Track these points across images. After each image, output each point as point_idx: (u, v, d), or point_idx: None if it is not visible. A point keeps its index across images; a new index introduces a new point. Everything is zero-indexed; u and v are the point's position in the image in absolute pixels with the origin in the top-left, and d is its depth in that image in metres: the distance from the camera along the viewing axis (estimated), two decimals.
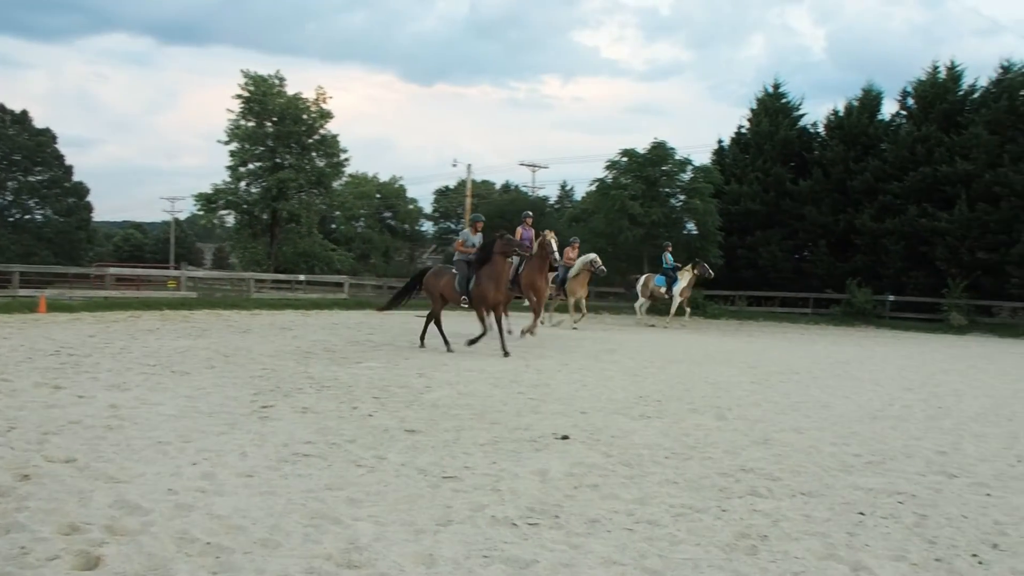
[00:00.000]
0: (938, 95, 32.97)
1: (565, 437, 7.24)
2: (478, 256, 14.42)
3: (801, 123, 37.44)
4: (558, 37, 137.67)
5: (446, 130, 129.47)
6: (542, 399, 9.39)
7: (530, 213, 20.15)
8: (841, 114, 35.72)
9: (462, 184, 58.52)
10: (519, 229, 18.63)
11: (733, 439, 7.53)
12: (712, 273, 26.13)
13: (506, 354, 13.66)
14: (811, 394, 10.76)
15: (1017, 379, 13.73)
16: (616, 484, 5.80)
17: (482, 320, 14.79)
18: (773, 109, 37.02)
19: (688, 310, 26.32)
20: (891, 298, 30.42)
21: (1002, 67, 32.46)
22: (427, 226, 64.41)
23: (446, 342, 14.47)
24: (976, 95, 33.04)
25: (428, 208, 63.58)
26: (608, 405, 9.17)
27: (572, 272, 22.42)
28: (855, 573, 4.32)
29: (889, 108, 35.44)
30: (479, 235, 15.31)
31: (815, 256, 34.47)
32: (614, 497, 5.47)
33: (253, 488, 5.29)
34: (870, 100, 35.51)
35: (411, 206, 61.71)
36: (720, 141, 39.11)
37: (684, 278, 25.59)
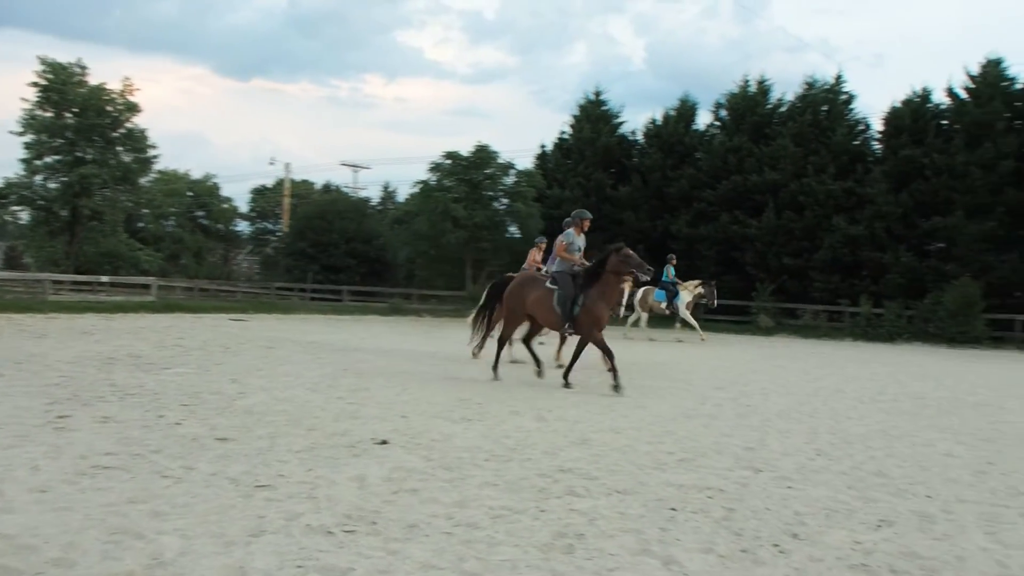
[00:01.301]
0: (749, 108, 34.67)
1: (384, 442, 7.11)
2: (588, 271, 11.57)
3: (621, 130, 38.57)
4: (381, 36, 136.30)
5: (264, 127, 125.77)
6: (362, 404, 9.21)
7: (588, 214, 13.23)
8: (659, 123, 37.05)
9: (280, 183, 57.10)
10: (560, 241, 12.89)
11: (552, 440, 7.60)
12: (715, 303, 25.07)
13: (567, 384, 11.41)
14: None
15: (817, 378, 14.51)
16: (436, 488, 5.72)
17: (605, 349, 11.29)
18: (595, 116, 37.95)
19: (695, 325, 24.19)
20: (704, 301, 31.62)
21: (807, 83, 34.49)
22: (243, 226, 62.18)
23: (496, 368, 12.19)
24: (783, 109, 34.93)
25: (244, 208, 61.49)
26: (428, 408, 9.08)
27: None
28: (666, 567, 4.41)
29: (704, 119, 36.94)
30: (582, 236, 12.53)
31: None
32: (433, 501, 5.40)
33: (46, 504, 4.91)
34: (686, 110, 36.97)
35: (225, 205, 59.50)
36: (543, 146, 39.84)
37: (688, 294, 24.45)
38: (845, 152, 32.09)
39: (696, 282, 24.95)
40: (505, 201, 34.56)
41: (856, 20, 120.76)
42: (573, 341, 12.16)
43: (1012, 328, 27.03)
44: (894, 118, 31.71)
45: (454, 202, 32.52)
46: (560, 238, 12.46)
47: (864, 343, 26.28)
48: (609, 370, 11.14)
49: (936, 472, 6.96)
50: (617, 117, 38.66)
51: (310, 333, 19.86)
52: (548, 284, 11.72)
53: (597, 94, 38.99)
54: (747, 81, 35.69)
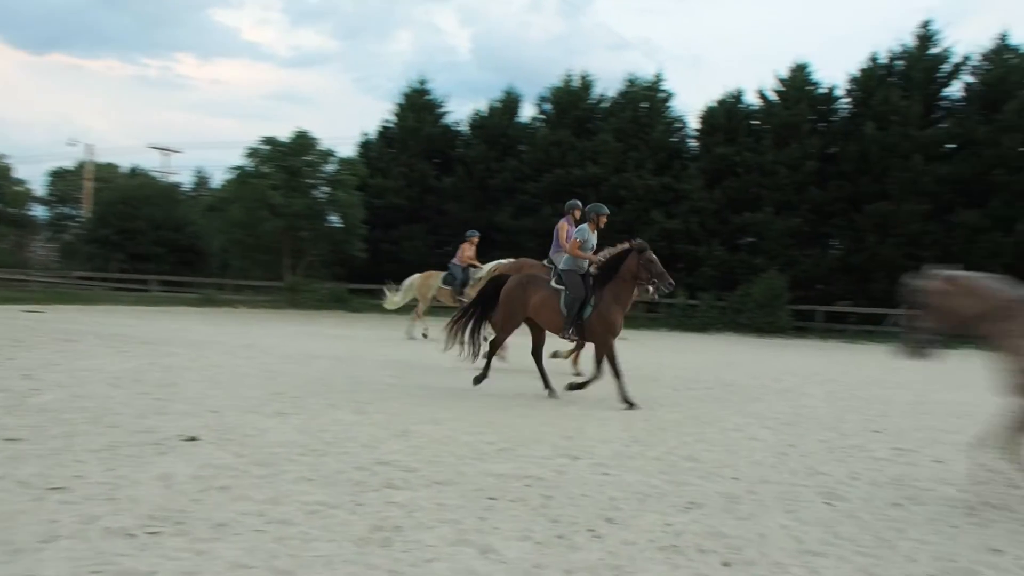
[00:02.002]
0: (572, 102, 35.30)
1: (193, 438, 6.81)
2: (602, 271, 10.36)
3: (446, 121, 38.54)
4: (195, 14, 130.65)
5: (63, 106, 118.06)
6: (169, 399, 8.79)
7: (578, 204, 12.64)
8: (484, 114, 37.21)
9: (82, 166, 54.00)
10: (563, 223, 12.56)
11: (372, 433, 7.48)
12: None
13: (629, 404, 9.80)
14: (450, 386, 10.99)
15: (636, 367, 14.79)
16: (247, 485, 5.52)
17: (613, 360, 10.11)
18: (419, 105, 37.78)
19: None
20: None
21: (628, 81, 35.36)
22: (39, 211, 58.26)
23: (480, 376, 10.86)
24: (605, 105, 35.69)
25: (40, 191, 57.64)
26: (242, 403, 8.77)
27: (479, 275, 18.45)
28: (484, 555, 4.43)
29: (528, 112, 37.37)
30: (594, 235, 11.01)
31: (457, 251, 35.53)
32: (245, 498, 5.21)
33: None
34: (511, 103, 37.30)
35: (19, 188, 55.69)
36: (366, 134, 39.29)
37: None
38: (663, 148, 33.18)
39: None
40: (326, 189, 33.89)
41: (677, 21, 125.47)
42: (583, 348, 12.08)
43: (814, 318, 28.68)
44: (709, 117, 33.01)
45: (272, 189, 31.61)
46: (573, 233, 11.09)
47: (679, 333, 27.23)
48: (575, 386, 10.43)
49: (742, 455, 7.26)
50: (441, 107, 38.64)
51: (114, 325, 18.86)
52: (554, 284, 10.53)
53: (421, 83, 38.85)
54: (570, 76, 36.35)
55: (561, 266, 10.86)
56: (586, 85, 36.04)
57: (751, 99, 33.09)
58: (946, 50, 30.70)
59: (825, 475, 6.62)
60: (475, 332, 10.94)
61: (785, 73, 32.33)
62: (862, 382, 13.90)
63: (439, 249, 36.24)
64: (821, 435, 8.51)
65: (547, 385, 10.60)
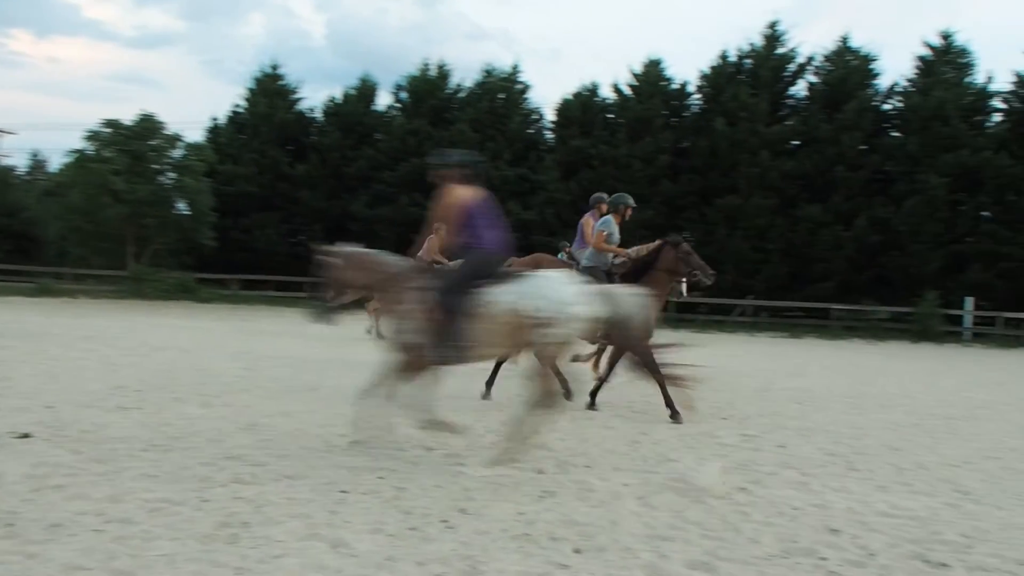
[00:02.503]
0: (429, 91, 35.15)
1: (26, 435, 6.44)
2: (635, 267, 9.61)
3: (299, 107, 37.75)
4: None
5: None
6: (1, 394, 8.32)
7: (604, 197, 11.57)
8: (339, 101, 36.63)
9: None
10: (588, 217, 11.61)
11: (219, 427, 7.25)
12: None
13: (675, 413, 8.96)
14: (302, 378, 10.79)
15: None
16: (85, 483, 5.26)
17: (652, 365, 8.89)
18: (271, 91, 36.88)
19: None
20: None
21: (486, 71, 35.49)
22: None
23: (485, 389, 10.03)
24: (462, 95, 35.70)
25: None
26: (80, 397, 8.36)
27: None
28: (335, 549, 4.36)
29: (384, 100, 36.99)
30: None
31: (311, 240, 34.88)
32: (82, 497, 4.96)
33: None
34: (367, 90, 36.87)
35: None
36: (215, 119, 38.08)
37: None
38: (520, 140, 33.48)
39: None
40: (172, 175, 32.66)
41: (535, 13, 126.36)
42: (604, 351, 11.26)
43: (666, 309, 29.40)
44: (565, 110, 33.46)
45: (114, 174, 30.24)
46: (597, 226, 10.09)
47: None
48: (592, 392, 9.56)
49: (595, 444, 7.37)
50: (295, 93, 37.83)
51: None
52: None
53: (274, 68, 37.92)
54: (427, 65, 36.20)
55: (584, 262, 9.96)
56: (443, 74, 35.98)
57: (606, 93, 33.74)
58: (792, 51, 32.09)
59: (675, 462, 6.78)
60: None
61: (639, 68, 33.06)
62: (712, 371, 14.30)
63: (292, 239, 35.63)
64: (672, 423, 8.71)
65: (488, 386, 9.86)
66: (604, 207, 11.38)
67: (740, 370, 14.59)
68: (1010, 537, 5.13)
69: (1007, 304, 26.59)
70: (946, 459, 7.48)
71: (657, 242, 9.76)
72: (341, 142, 34.88)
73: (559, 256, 12.49)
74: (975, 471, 7.02)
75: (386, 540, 4.52)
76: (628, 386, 11.54)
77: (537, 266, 10.97)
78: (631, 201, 10.34)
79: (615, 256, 9.89)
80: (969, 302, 26.83)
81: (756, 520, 5.22)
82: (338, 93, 38.26)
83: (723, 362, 15.89)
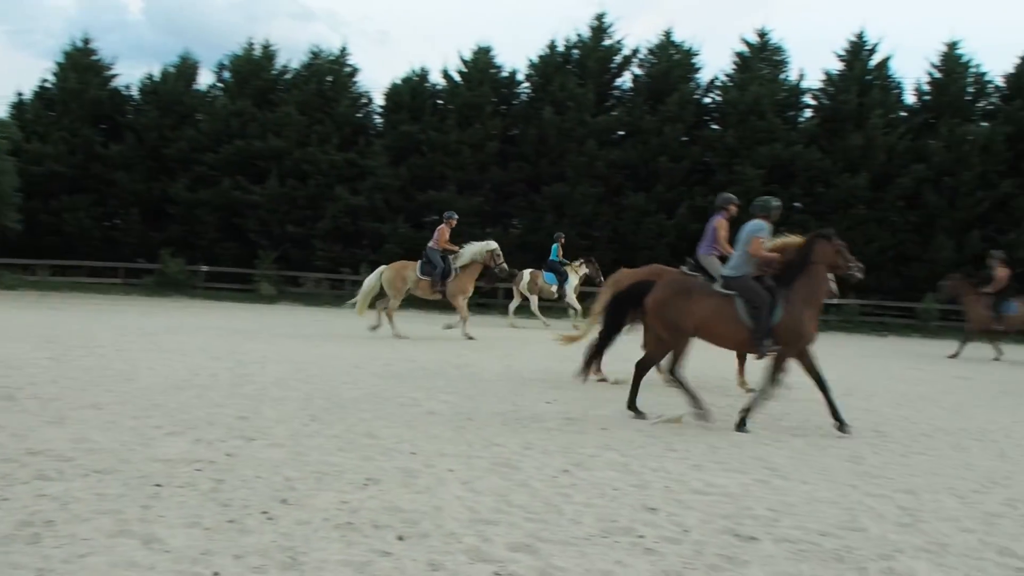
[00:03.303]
0: (253, 71, 34.04)
1: None
2: (789, 265, 8.72)
3: (114, 84, 35.76)
4: None
5: None
6: None
7: (734, 198, 11.25)
8: (157, 79, 34.97)
9: None
10: (721, 220, 10.99)
11: (22, 421, 6.83)
12: (602, 279, 22.91)
13: (841, 424, 8.37)
14: (115, 367, 10.29)
15: (317, 345, 14.70)
16: None
17: (780, 373, 8.63)
18: (83, 66, 34.78)
19: (576, 310, 22.49)
20: (205, 268, 30.68)
21: (312, 53, 34.67)
22: None
23: (634, 406, 8.86)
24: (289, 76, 34.78)
25: None
26: None
27: (461, 261, 17.26)
28: (147, 545, 4.18)
29: (206, 79, 35.64)
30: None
31: (127, 224, 33.33)
32: None
33: None
34: (187, 68, 35.32)
35: None
36: (20, 95, 35.55)
37: (575, 275, 22.60)
38: (348, 123, 32.92)
39: (579, 261, 23.47)
40: None
41: None
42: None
43: (496, 296, 29.68)
44: (395, 94, 33.08)
45: None
46: (751, 231, 8.91)
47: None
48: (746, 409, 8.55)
49: (421, 430, 7.35)
50: (109, 69, 35.74)
51: None
52: (719, 289, 8.79)
53: (86, 42, 35.70)
54: (252, 44, 35.07)
55: (728, 271, 8.96)
56: (269, 55, 34.93)
57: (436, 79, 33.61)
58: (618, 43, 32.85)
59: (500, 446, 6.84)
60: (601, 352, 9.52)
61: (469, 55, 33.11)
62: (537, 356, 14.53)
63: (106, 222, 33.91)
64: (498, 407, 8.79)
65: (696, 403, 8.58)
66: (733, 208, 11.03)
67: (567, 355, 14.86)
68: (814, 510, 5.43)
69: None
70: (757, 437, 7.85)
71: (806, 236, 8.98)
72: (159, 122, 33.28)
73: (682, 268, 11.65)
74: (783, 448, 7.41)
75: (202, 534, 4.37)
76: (457, 372, 11.62)
77: (657, 276, 10.43)
78: (776, 204, 9.32)
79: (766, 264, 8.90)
80: None
81: (578, 501, 5.33)
82: (156, 71, 36.46)
83: (552, 348, 16.14)
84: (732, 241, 9.78)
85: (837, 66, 31.69)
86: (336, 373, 10.84)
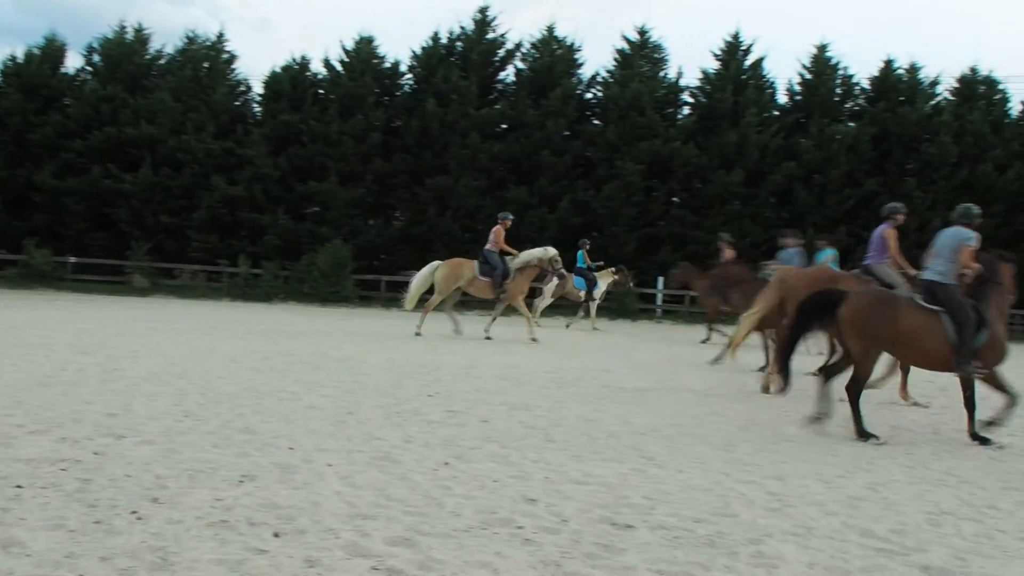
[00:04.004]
0: (125, 55, 32.84)
1: None
2: (980, 282, 8.38)
3: None
4: None
5: None
6: None
7: (900, 207, 11.31)
8: (21, 61, 33.37)
9: None
10: (890, 230, 10.90)
11: None
12: (632, 283, 24.53)
13: (982, 440, 8.25)
14: None
15: (192, 338, 14.30)
16: None
17: (861, 386, 8.27)
18: None
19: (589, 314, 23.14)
20: (72, 260, 29.47)
21: (188, 37, 33.74)
22: None
23: (864, 432, 8.10)
24: (163, 61, 33.76)
25: None
26: None
27: (517, 264, 17.30)
28: (5, 550, 3.97)
29: (75, 62, 34.17)
30: None
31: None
32: None
33: None
34: (54, 51, 33.78)
35: None
36: None
37: (604, 281, 22.68)
38: (226, 111, 32.07)
39: (611, 269, 23.50)
40: None
41: None
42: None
43: (378, 288, 29.53)
44: (274, 83, 32.39)
45: None
46: (955, 237, 8.51)
47: (242, 303, 26.62)
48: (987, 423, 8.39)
49: (300, 424, 7.22)
50: None
51: None
52: (924, 303, 8.37)
53: None
54: (124, 27, 33.85)
55: (936, 277, 8.42)
56: (142, 39, 33.79)
57: (318, 68, 33.12)
58: (501, 36, 33.00)
59: (381, 440, 6.78)
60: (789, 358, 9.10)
61: (351, 45, 32.73)
62: (419, 349, 14.49)
63: None
64: (379, 401, 8.71)
65: (860, 424, 8.17)
66: (901, 217, 10.86)
67: (451, 348, 14.87)
68: (688, 498, 5.55)
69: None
70: (635, 428, 7.99)
71: (990, 254, 8.74)
72: (23, 106, 31.69)
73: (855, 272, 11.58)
74: (660, 438, 7.56)
75: (66, 536, 4.17)
76: (337, 365, 11.47)
77: (833, 281, 10.27)
78: (980, 211, 8.98)
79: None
80: (661, 281, 28.86)
81: (458, 494, 5.32)
82: (20, 52, 34.83)
83: (431, 341, 16.13)
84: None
85: (714, 65, 32.63)
86: (212, 368, 10.56)
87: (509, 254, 17.39)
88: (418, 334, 16.68)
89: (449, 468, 5.98)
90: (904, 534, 5.04)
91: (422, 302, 17.63)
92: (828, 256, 16.32)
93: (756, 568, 4.34)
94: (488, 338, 16.67)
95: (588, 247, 23.18)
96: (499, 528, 4.69)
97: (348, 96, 31.37)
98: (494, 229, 17.33)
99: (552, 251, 17.53)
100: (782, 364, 9.20)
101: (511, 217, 18.03)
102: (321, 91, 32.71)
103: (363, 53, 32.37)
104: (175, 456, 5.83)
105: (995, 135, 30.82)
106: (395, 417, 7.86)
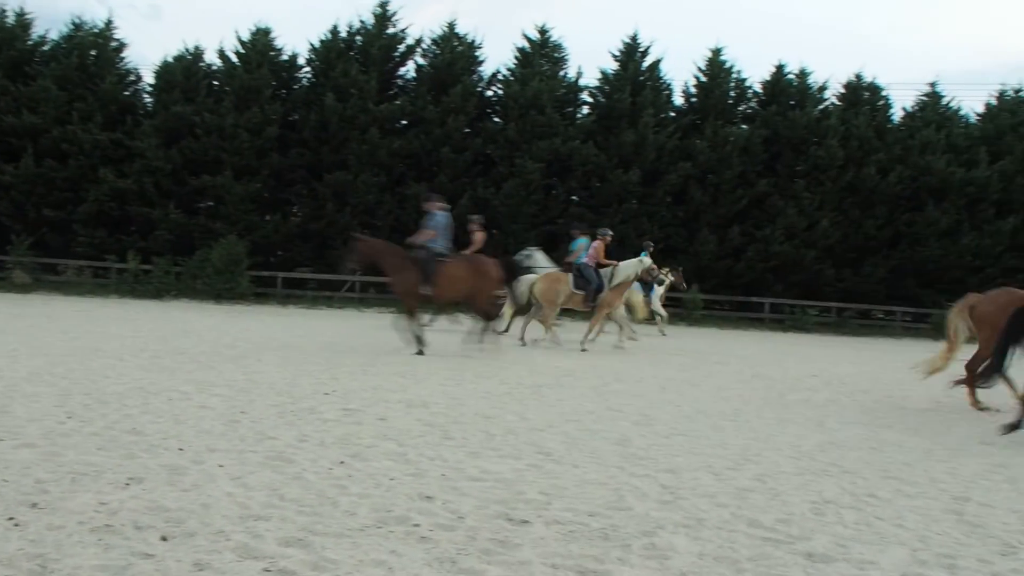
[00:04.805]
0: (5, 40, 31.46)
1: None
2: None
3: None
4: None
5: None
6: None
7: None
8: None
9: None
10: None
11: None
12: (686, 285, 24.71)
13: None
14: None
15: (76, 336, 13.82)
16: None
17: None
18: None
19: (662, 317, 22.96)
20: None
21: (75, 24, 32.47)
22: None
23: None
24: (47, 48, 32.45)
25: None
26: None
27: (617, 280, 16.80)
28: None
29: None
30: None
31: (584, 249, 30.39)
32: None
33: None
34: None
35: None
36: None
37: (661, 285, 21.93)
38: (114, 102, 30.98)
39: (665, 270, 22.95)
40: None
41: None
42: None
43: (275, 284, 29.03)
44: (166, 73, 31.43)
45: None
46: None
47: (131, 300, 25.83)
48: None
49: (190, 425, 7.03)
50: None
51: None
52: None
53: None
54: (4, 11, 32.38)
55: None
56: (24, 23, 32.34)
57: (212, 58, 32.34)
58: (402, 31, 32.71)
59: (274, 439, 6.65)
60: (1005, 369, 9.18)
61: (247, 36, 32.06)
62: (318, 347, 14.28)
63: None
64: (273, 400, 8.55)
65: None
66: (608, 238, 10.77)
67: (349, 344, 14.70)
68: (583, 492, 5.59)
69: None
70: (532, 424, 8.02)
71: None
72: None
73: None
74: (557, 433, 7.60)
75: None
76: (231, 363, 11.21)
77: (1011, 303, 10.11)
78: None
79: None
80: None
81: (353, 493, 5.25)
82: None
83: (329, 338, 15.93)
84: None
85: (612, 66, 32.98)
86: (98, 367, 10.21)
87: (606, 267, 17.28)
88: (584, 350, 16.35)
89: (344, 467, 5.90)
90: (790, 523, 5.17)
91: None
92: (581, 245, 17.07)
93: (648, 560, 4.39)
94: (584, 350, 16.33)
95: (652, 249, 22.15)
96: (395, 526, 4.64)
97: (244, 88, 30.69)
98: (593, 244, 17.22)
99: (647, 261, 17.41)
100: (997, 373, 9.36)
101: (611, 233, 18.29)
102: (216, 83, 31.92)
103: (260, 44, 31.71)
104: (57, 459, 5.61)
105: (878, 139, 31.97)
106: (290, 416, 7.72)
